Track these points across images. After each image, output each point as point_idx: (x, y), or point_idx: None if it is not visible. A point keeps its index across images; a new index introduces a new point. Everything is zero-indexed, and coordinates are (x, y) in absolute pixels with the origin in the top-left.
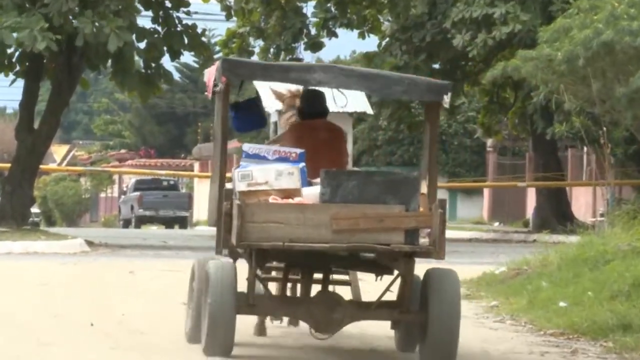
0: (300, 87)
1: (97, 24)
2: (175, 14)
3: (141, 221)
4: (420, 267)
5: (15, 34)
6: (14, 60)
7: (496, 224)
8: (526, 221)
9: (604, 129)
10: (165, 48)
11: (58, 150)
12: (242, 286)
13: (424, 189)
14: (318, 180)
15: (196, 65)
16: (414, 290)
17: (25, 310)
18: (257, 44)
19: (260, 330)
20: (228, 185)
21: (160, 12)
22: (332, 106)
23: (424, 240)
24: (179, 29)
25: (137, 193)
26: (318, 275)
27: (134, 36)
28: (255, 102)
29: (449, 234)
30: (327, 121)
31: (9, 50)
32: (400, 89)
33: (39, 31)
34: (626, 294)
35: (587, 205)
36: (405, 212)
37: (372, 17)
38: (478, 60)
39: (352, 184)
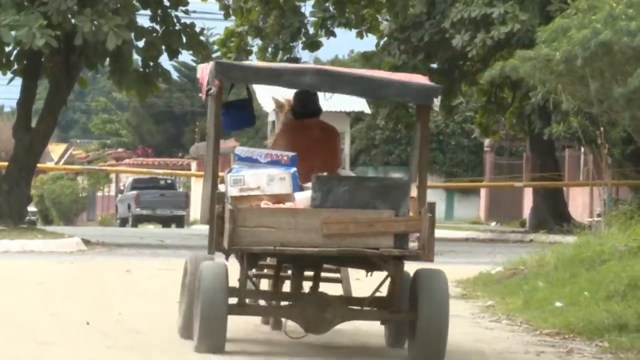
0: None
1: (95, 22)
2: (173, 13)
3: (138, 220)
4: (415, 265)
5: (13, 32)
6: (12, 58)
7: (493, 223)
8: (523, 221)
9: (602, 129)
10: (163, 47)
11: (55, 149)
12: (235, 284)
13: (414, 192)
14: (309, 184)
15: (194, 64)
16: (404, 289)
17: (22, 310)
18: (255, 43)
19: (276, 323)
20: (221, 186)
21: (159, 11)
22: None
23: (413, 244)
24: (177, 27)
25: (134, 192)
26: (310, 272)
27: (132, 34)
28: (246, 102)
29: (446, 233)
30: (320, 120)
31: (7, 49)
32: (391, 92)
33: (38, 29)
34: (622, 294)
35: (584, 205)
36: (394, 217)
37: (370, 16)
38: (476, 60)
39: (342, 189)
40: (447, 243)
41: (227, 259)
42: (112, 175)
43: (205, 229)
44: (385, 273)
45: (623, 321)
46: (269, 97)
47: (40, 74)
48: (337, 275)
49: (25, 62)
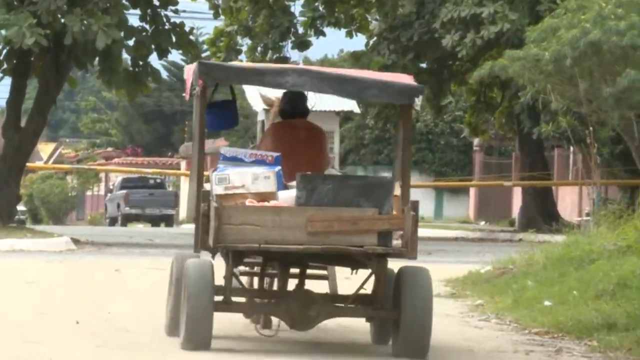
0: None
1: (85, 21)
2: (163, 12)
3: (127, 219)
4: (402, 263)
5: (3, 31)
6: (1, 57)
7: (482, 223)
8: (512, 220)
9: (591, 128)
10: (153, 46)
11: (45, 148)
12: (221, 282)
13: (397, 191)
14: (294, 183)
15: (184, 64)
16: (388, 287)
17: (11, 309)
18: (245, 43)
19: (266, 322)
20: (207, 185)
21: (148, 10)
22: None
23: (396, 242)
24: (166, 27)
25: (124, 191)
26: (296, 270)
27: (122, 34)
28: (230, 102)
29: (435, 232)
30: (307, 121)
31: None
32: (373, 92)
33: (28, 28)
34: (611, 293)
35: (573, 204)
36: (378, 215)
37: (359, 16)
38: (465, 60)
39: (327, 187)
40: (436, 242)
41: (213, 257)
42: (102, 175)
43: (194, 228)
44: (369, 271)
45: (612, 320)
46: (258, 96)
47: (30, 74)
48: (324, 272)
49: (14, 61)
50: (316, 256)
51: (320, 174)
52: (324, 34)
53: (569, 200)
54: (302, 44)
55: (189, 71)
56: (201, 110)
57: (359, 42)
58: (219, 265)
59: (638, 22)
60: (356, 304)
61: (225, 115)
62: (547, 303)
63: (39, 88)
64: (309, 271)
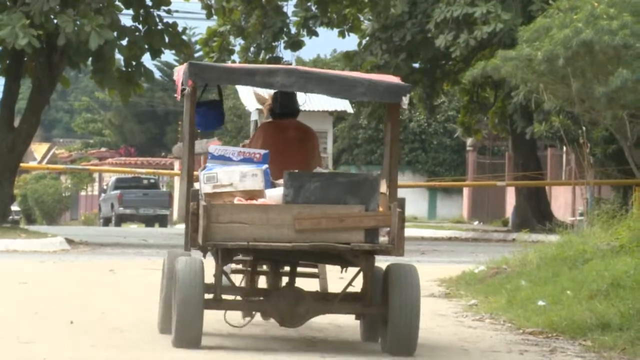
0: None
1: (78, 22)
2: (156, 13)
3: (121, 219)
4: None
5: None
6: None
7: (476, 223)
8: (505, 220)
9: (584, 128)
10: (145, 46)
11: (38, 149)
12: (211, 280)
13: (384, 188)
14: (282, 181)
15: (177, 64)
16: (376, 284)
17: (5, 309)
18: (238, 43)
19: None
20: (197, 184)
21: (141, 11)
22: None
23: (383, 239)
24: (159, 27)
25: (117, 191)
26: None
27: (115, 34)
28: (216, 102)
29: (429, 232)
30: (297, 121)
31: None
32: (360, 91)
33: (21, 28)
34: (605, 293)
35: (566, 204)
36: (364, 212)
37: (352, 16)
38: (458, 60)
39: (314, 185)
40: (430, 242)
41: (204, 256)
42: (95, 175)
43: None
44: (358, 269)
45: (606, 320)
46: (252, 96)
47: (23, 74)
48: (315, 270)
49: (7, 61)
50: (304, 253)
51: (308, 172)
52: (316, 34)
53: (562, 200)
54: (295, 44)
55: (179, 72)
56: (191, 111)
57: (351, 42)
58: (211, 264)
59: (630, 22)
60: (345, 301)
61: (210, 115)
62: (541, 303)
63: (32, 88)
64: (300, 269)
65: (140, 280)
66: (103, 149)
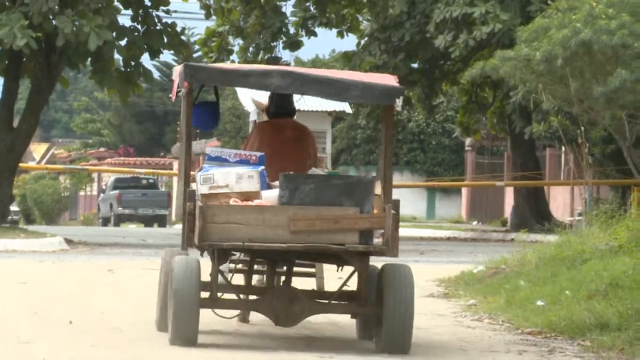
0: None
1: (77, 22)
2: (154, 13)
3: (120, 219)
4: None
5: None
6: None
7: (474, 223)
8: (504, 220)
9: (582, 128)
10: (144, 46)
11: (37, 149)
12: (207, 279)
13: (379, 190)
14: (277, 183)
15: (176, 64)
16: (371, 284)
17: (4, 309)
18: (237, 43)
19: (244, 317)
20: (194, 185)
21: (140, 11)
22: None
23: (378, 240)
24: (158, 27)
25: (116, 191)
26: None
27: (114, 34)
28: (212, 104)
29: (428, 232)
30: (293, 121)
31: None
32: (355, 93)
33: (19, 29)
34: (603, 293)
35: (565, 204)
36: (359, 214)
37: (350, 16)
38: (457, 60)
39: (309, 187)
40: (428, 242)
41: (202, 255)
42: (94, 175)
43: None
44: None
45: (604, 320)
46: (251, 103)
47: (22, 74)
48: (312, 269)
49: (6, 62)
50: (299, 254)
51: (303, 174)
52: (315, 34)
53: (561, 200)
54: (294, 44)
55: (177, 72)
56: (187, 111)
57: (350, 43)
58: (208, 263)
59: (629, 22)
60: (340, 300)
61: (206, 115)
62: (539, 303)
63: (31, 88)
64: (298, 269)
65: (139, 280)
66: (102, 149)
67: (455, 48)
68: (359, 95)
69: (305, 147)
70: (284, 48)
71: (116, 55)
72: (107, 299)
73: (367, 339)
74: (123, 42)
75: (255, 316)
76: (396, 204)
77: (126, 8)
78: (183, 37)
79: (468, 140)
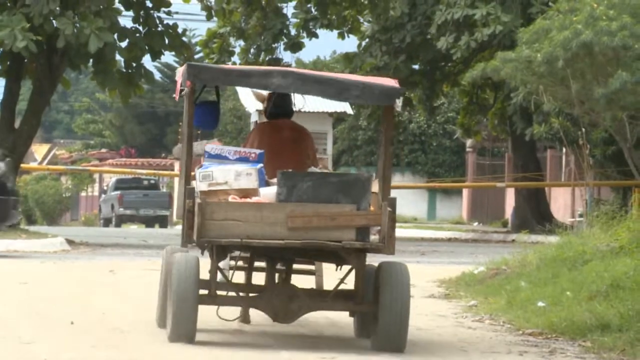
0: None
1: (77, 24)
2: (156, 14)
3: (122, 220)
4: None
5: None
6: None
7: (475, 224)
8: (505, 221)
9: (583, 129)
10: (146, 48)
11: (39, 150)
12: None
13: (376, 188)
14: (275, 180)
15: (177, 65)
16: (368, 282)
17: (5, 309)
18: (238, 45)
19: (245, 317)
20: (194, 183)
21: (141, 12)
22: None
23: (374, 237)
24: (159, 29)
25: (118, 192)
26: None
27: (115, 36)
28: (213, 104)
29: (429, 233)
30: (291, 121)
31: None
32: (355, 94)
33: (20, 31)
34: (604, 294)
35: (565, 205)
36: (356, 211)
37: (352, 17)
38: (458, 61)
39: (306, 184)
40: (429, 243)
41: (202, 252)
42: (96, 176)
43: None
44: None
45: (605, 321)
46: (251, 97)
47: (24, 75)
48: (312, 267)
49: (8, 63)
50: (297, 251)
51: (301, 172)
52: (316, 36)
53: (561, 201)
54: (295, 46)
55: (180, 73)
56: (189, 110)
57: (351, 44)
58: (208, 262)
59: (629, 23)
60: (338, 298)
61: (207, 115)
62: (540, 304)
63: (33, 89)
64: (297, 266)
65: (140, 281)
66: (103, 150)
67: (457, 50)
68: (359, 96)
69: (304, 148)
70: (285, 49)
71: (117, 57)
72: (108, 300)
73: (364, 337)
74: (124, 44)
75: (255, 315)
76: (392, 202)
77: (127, 9)
78: (184, 39)
79: (469, 142)
